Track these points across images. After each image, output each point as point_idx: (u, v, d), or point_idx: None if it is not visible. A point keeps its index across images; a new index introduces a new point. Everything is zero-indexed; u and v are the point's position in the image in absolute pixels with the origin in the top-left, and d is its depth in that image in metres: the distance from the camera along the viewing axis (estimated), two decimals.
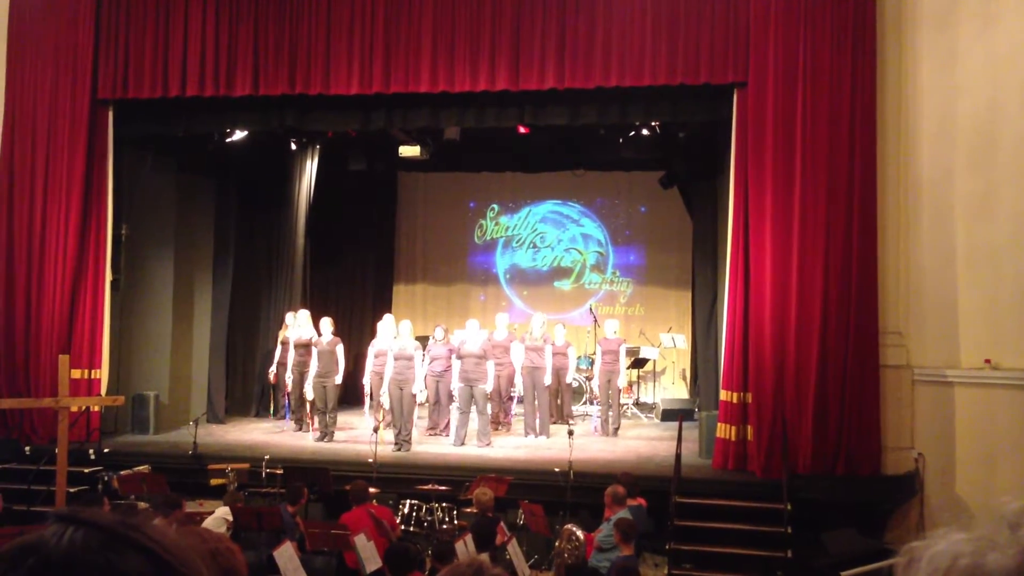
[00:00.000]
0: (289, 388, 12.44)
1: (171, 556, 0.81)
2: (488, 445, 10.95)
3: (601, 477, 8.81)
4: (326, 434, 11.35)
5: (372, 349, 11.47)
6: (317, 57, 10.46)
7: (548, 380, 11.69)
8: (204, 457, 10.12)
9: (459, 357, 11.15)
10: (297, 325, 12.23)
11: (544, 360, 11.66)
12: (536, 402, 11.72)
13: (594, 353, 13.15)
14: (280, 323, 13.21)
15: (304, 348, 11.87)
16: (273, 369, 12.73)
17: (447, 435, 11.45)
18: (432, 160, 13.98)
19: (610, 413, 11.99)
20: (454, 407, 11.39)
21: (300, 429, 12.04)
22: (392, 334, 11.32)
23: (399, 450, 10.59)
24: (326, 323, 11.70)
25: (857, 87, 9.42)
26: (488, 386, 11.13)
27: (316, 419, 11.66)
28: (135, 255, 12.16)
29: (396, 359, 10.91)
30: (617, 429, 11.96)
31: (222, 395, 13.26)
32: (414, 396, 10.90)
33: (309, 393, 11.58)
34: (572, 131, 12.43)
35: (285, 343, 12.47)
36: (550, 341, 11.94)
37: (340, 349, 11.56)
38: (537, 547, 8.70)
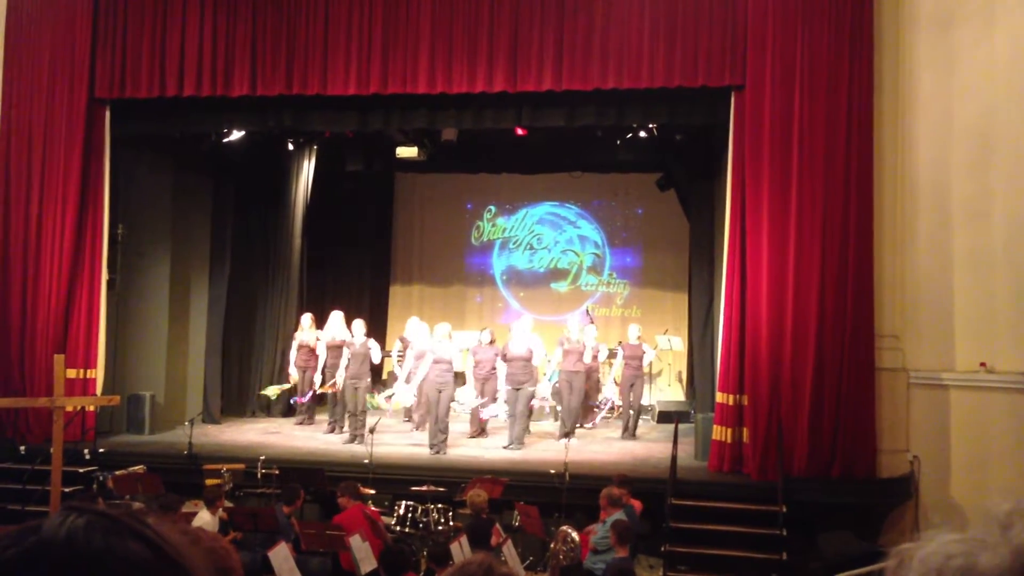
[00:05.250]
0: (303, 389, 12.54)
1: (171, 547, 0.83)
2: (520, 447, 10.91)
3: (597, 479, 8.81)
4: (355, 436, 11.17)
5: (411, 351, 11.60)
6: (315, 57, 10.45)
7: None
8: (199, 457, 10.11)
9: (505, 360, 11.15)
10: (330, 327, 12.22)
11: (582, 363, 11.53)
12: (569, 404, 11.58)
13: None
14: (282, 324, 13.18)
15: (336, 350, 11.86)
16: (292, 371, 12.74)
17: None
18: (429, 161, 13.97)
19: (631, 415, 12.05)
20: (500, 408, 11.42)
21: (332, 431, 11.97)
22: (425, 335, 11.43)
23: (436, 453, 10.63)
24: (358, 325, 11.65)
25: (854, 90, 9.42)
26: (532, 387, 11.26)
27: (348, 421, 11.57)
28: (131, 255, 12.13)
29: (435, 362, 10.88)
30: (635, 433, 12.06)
31: (218, 395, 13.26)
32: (451, 397, 10.97)
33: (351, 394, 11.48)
34: (569, 133, 12.41)
35: (302, 346, 12.55)
36: (586, 345, 11.73)
37: (375, 350, 11.53)
38: (532, 549, 8.69)
